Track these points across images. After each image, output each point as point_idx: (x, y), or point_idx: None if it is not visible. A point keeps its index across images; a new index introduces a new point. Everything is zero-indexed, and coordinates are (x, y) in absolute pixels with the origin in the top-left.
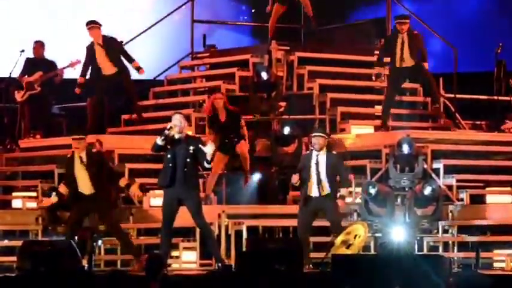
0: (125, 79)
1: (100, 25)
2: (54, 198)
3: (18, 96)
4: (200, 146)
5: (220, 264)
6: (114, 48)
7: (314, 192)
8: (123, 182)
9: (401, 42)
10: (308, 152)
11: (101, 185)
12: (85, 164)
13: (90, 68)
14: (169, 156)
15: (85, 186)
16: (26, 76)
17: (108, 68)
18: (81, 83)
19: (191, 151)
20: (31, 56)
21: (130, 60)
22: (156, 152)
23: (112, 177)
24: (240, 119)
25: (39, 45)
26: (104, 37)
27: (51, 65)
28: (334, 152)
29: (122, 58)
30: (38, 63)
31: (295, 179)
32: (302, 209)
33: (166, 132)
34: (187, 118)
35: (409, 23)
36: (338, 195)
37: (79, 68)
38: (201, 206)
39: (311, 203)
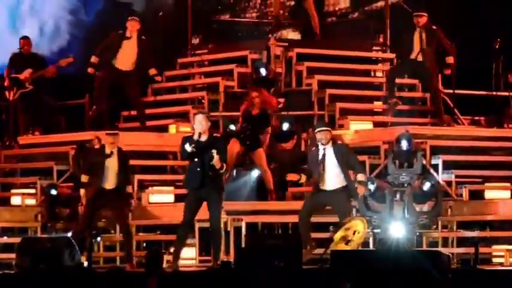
0: (132, 81)
1: (140, 20)
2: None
3: (10, 95)
4: (220, 149)
5: (218, 263)
6: (144, 48)
7: (326, 185)
8: (129, 189)
9: (419, 36)
10: (314, 148)
11: (124, 182)
12: (116, 159)
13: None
14: (196, 159)
15: (111, 180)
16: (13, 71)
17: (127, 64)
18: (95, 63)
19: (215, 153)
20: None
21: (151, 64)
22: (186, 160)
23: (126, 179)
24: (270, 122)
25: (26, 41)
26: (139, 34)
27: (42, 60)
28: (340, 142)
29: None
30: (26, 59)
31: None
32: (312, 195)
33: (195, 138)
34: (186, 115)
35: (426, 17)
36: (356, 183)
37: (72, 66)
38: (221, 210)
39: (322, 194)
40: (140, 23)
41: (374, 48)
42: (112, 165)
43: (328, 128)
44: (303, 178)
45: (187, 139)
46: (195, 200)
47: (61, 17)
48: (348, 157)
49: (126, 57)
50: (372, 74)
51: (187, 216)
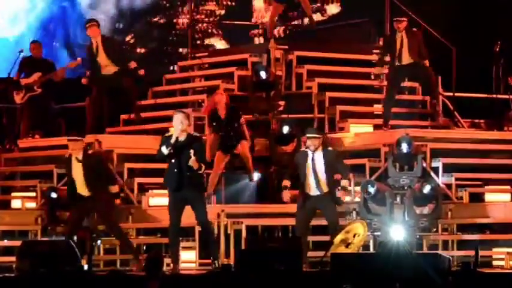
0: (124, 79)
1: (98, 24)
2: None
3: (18, 98)
4: (197, 149)
5: (216, 263)
6: (113, 47)
7: (312, 190)
8: (113, 189)
9: (400, 41)
10: (302, 150)
11: (98, 186)
12: (81, 165)
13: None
14: (173, 160)
15: (83, 187)
16: (23, 75)
17: (107, 68)
18: (88, 76)
19: (192, 154)
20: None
21: (129, 60)
22: (161, 160)
23: (107, 180)
24: (240, 117)
25: (36, 45)
26: (103, 36)
27: (50, 65)
28: (330, 148)
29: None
30: (36, 63)
31: (286, 195)
32: (300, 208)
33: (172, 141)
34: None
35: (406, 22)
36: (339, 187)
37: (78, 68)
38: (205, 206)
39: (309, 201)
40: (98, 25)
41: (374, 51)
42: (78, 171)
43: (318, 135)
44: (287, 183)
45: (166, 139)
46: (177, 202)
47: None
48: (335, 162)
49: (103, 63)
50: (372, 77)
51: (173, 219)
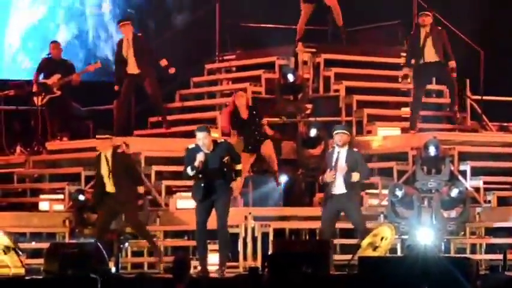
0: (148, 81)
1: (133, 22)
2: None
3: (37, 100)
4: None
5: (222, 269)
6: (143, 47)
7: (336, 189)
8: (140, 190)
9: (424, 37)
10: (331, 149)
11: (124, 186)
12: (110, 163)
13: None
14: (200, 175)
15: (110, 185)
16: (42, 75)
17: (135, 67)
18: (119, 80)
19: (225, 160)
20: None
21: (159, 58)
22: (188, 179)
23: (134, 180)
24: (262, 117)
25: (56, 46)
26: (135, 35)
27: (70, 67)
28: (355, 149)
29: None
30: (55, 64)
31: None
32: (324, 208)
33: (197, 164)
34: (213, 121)
35: (431, 17)
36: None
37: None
38: (228, 212)
39: (332, 201)
40: (131, 24)
41: (402, 54)
42: (106, 170)
43: (346, 132)
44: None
45: (191, 153)
46: (204, 205)
47: None
48: (357, 164)
49: (132, 62)
50: (400, 80)
51: (199, 220)
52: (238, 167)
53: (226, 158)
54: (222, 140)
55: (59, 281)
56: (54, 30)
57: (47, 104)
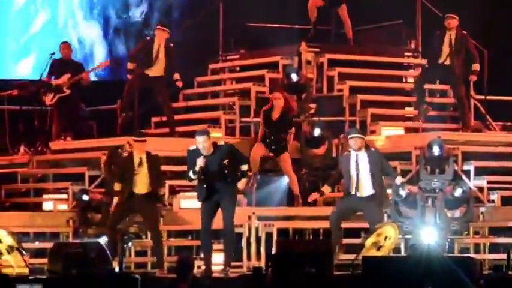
0: (164, 86)
1: (169, 32)
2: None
3: (48, 99)
4: (234, 151)
5: (227, 269)
6: (171, 55)
7: (356, 192)
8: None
9: (449, 39)
10: (346, 153)
11: (156, 186)
12: (145, 164)
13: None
14: (202, 177)
15: (141, 186)
16: (53, 77)
17: (157, 71)
18: (132, 69)
19: (226, 162)
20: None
21: (176, 70)
22: (190, 180)
23: (158, 180)
24: (292, 125)
25: (66, 46)
26: (168, 42)
27: (79, 66)
28: (373, 149)
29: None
30: (65, 64)
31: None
32: (343, 199)
33: (197, 169)
34: (217, 121)
35: (457, 20)
36: (392, 188)
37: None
38: (233, 212)
39: (351, 200)
40: (168, 32)
41: (406, 54)
42: (142, 171)
43: (361, 135)
44: (327, 189)
45: (192, 155)
46: (209, 205)
47: None
48: (382, 164)
49: (155, 65)
50: (404, 79)
51: (204, 221)
52: (244, 167)
53: (226, 161)
54: (223, 143)
55: (62, 280)
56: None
57: (56, 104)
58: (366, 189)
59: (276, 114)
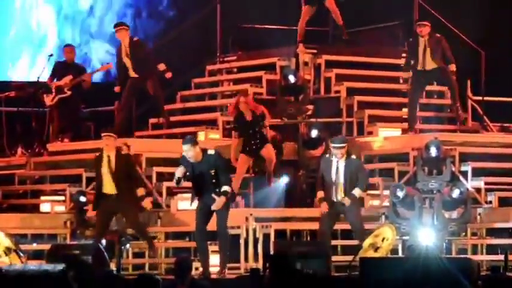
0: (150, 83)
1: (128, 27)
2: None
3: (48, 100)
4: (219, 165)
5: (223, 270)
6: (139, 51)
7: (335, 196)
8: (140, 192)
9: (423, 46)
10: (328, 155)
11: (125, 186)
12: (113, 163)
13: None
14: (194, 186)
15: (109, 186)
16: (55, 79)
17: (132, 71)
18: (121, 82)
19: (212, 172)
20: (59, 59)
21: (157, 62)
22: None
23: (136, 182)
24: (265, 119)
25: (70, 49)
26: (131, 39)
27: (81, 69)
28: (353, 157)
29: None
30: (67, 67)
31: (324, 207)
32: (324, 213)
33: (175, 180)
34: (214, 122)
35: (429, 26)
36: (353, 194)
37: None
38: (227, 216)
39: (333, 206)
40: (126, 28)
41: (403, 55)
42: (108, 169)
43: (344, 145)
44: (321, 194)
45: (183, 162)
46: (203, 207)
47: None
48: (357, 172)
49: (130, 66)
50: (401, 80)
51: (198, 223)
52: (224, 187)
53: (213, 171)
54: (213, 153)
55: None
56: None
57: (57, 105)
58: (343, 194)
59: (248, 116)
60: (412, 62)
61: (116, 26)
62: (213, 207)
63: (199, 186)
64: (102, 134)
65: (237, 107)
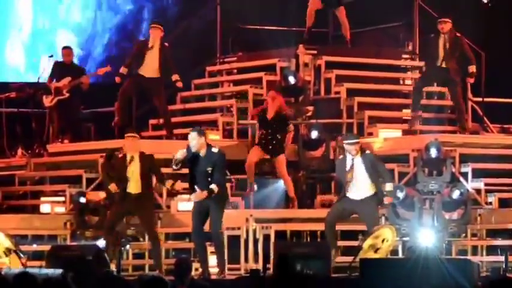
0: (157, 91)
1: (162, 28)
2: (102, 194)
3: (47, 101)
4: (217, 164)
5: (222, 272)
6: (166, 55)
7: (353, 195)
8: (169, 184)
9: (443, 43)
10: (342, 156)
11: (148, 186)
12: (137, 163)
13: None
14: (190, 176)
15: (135, 185)
16: (54, 80)
17: (152, 71)
18: (124, 74)
19: (209, 170)
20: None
21: (173, 71)
22: (176, 169)
23: (161, 179)
24: (288, 123)
25: (68, 51)
26: (162, 41)
27: (80, 71)
28: (368, 152)
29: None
30: (66, 68)
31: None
32: (338, 201)
33: (173, 161)
34: (214, 123)
35: (450, 23)
36: (384, 192)
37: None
38: (221, 217)
39: (348, 202)
40: (163, 30)
41: (403, 56)
42: (134, 170)
43: (358, 141)
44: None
45: (187, 150)
46: (199, 208)
47: None
48: (376, 166)
49: (149, 65)
50: (401, 82)
51: (194, 223)
52: (212, 186)
53: (210, 169)
54: (216, 150)
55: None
56: None
57: (55, 106)
58: (363, 191)
59: (270, 114)
60: (423, 63)
61: (153, 23)
62: (192, 198)
63: (194, 178)
64: (126, 135)
65: (266, 103)
